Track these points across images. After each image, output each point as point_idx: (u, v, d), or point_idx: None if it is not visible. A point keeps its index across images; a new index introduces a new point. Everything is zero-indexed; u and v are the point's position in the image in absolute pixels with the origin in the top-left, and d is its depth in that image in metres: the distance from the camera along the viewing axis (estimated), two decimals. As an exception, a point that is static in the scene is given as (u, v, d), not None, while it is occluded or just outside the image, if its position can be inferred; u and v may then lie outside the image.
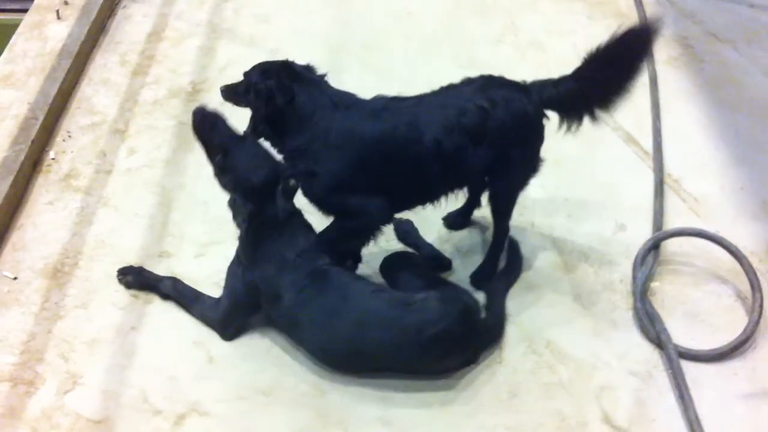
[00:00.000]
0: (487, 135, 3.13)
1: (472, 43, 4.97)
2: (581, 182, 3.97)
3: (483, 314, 3.19)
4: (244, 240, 3.17)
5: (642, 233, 3.66)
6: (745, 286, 3.40)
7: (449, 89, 3.26)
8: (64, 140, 4.15)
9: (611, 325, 3.32)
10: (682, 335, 3.26)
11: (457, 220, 3.75)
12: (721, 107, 4.46)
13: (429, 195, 3.31)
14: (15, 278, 3.46)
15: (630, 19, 5.10)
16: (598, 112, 3.26)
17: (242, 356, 3.19)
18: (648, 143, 4.18)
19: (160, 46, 4.84)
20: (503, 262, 3.54)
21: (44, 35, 4.68)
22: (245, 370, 3.15)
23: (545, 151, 4.00)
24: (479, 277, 3.48)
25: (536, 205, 3.84)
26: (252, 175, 3.06)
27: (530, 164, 3.36)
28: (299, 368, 3.15)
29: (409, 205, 3.35)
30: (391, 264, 3.40)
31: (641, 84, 4.48)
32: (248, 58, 4.71)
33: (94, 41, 4.82)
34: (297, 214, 3.22)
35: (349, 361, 3.09)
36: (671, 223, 3.72)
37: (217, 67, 4.70)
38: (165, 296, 3.39)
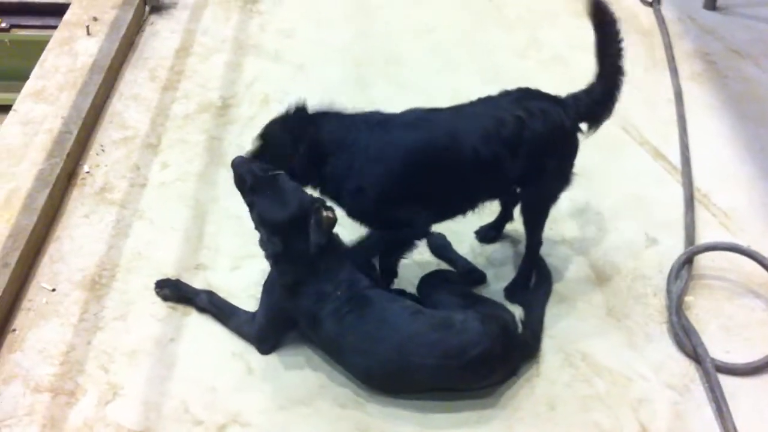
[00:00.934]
0: (524, 145, 3.17)
1: (496, 56, 5.01)
2: (611, 196, 4.00)
3: (520, 328, 3.22)
4: (278, 274, 3.17)
5: (673, 247, 3.69)
6: (778, 300, 3.43)
7: (486, 100, 3.31)
8: (97, 154, 4.19)
9: (646, 339, 3.34)
10: (717, 349, 3.28)
11: (489, 234, 3.78)
12: (745, 122, 4.49)
13: (465, 204, 3.34)
14: (53, 290, 3.49)
15: (652, 35, 5.16)
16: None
17: (281, 367, 3.22)
18: (675, 157, 4.21)
19: (188, 62, 4.89)
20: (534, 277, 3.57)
21: (74, 51, 4.74)
22: (285, 381, 3.17)
23: (576, 164, 4.07)
24: (513, 291, 3.51)
25: (567, 219, 3.87)
26: (276, 212, 3.05)
27: (563, 176, 3.39)
28: (338, 380, 3.17)
29: (447, 215, 3.38)
30: (427, 283, 3.42)
31: (666, 99, 4.60)
32: (274, 72, 4.83)
33: (124, 57, 4.87)
34: (336, 245, 3.19)
35: (390, 384, 3.10)
36: (702, 237, 3.75)
37: (245, 82, 4.75)
38: (201, 309, 3.42)
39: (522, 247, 3.61)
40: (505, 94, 3.31)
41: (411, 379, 3.06)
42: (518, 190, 3.41)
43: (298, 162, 3.14)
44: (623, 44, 3.39)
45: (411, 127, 3.20)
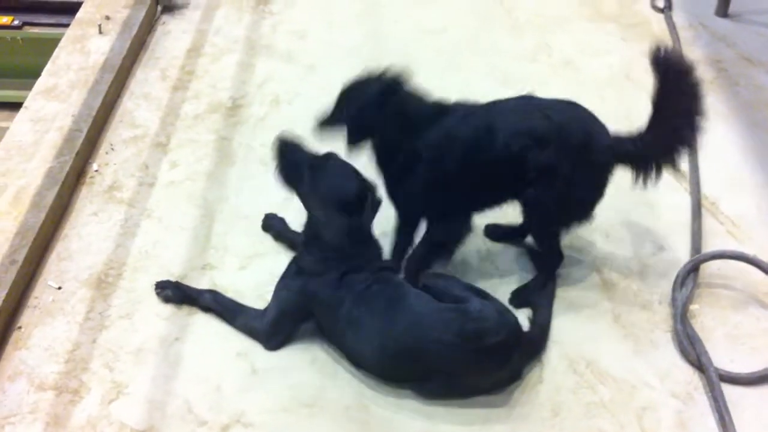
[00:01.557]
0: (552, 146, 3.19)
1: (506, 59, 5.01)
2: (618, 203, 3.96)
3: (527, 327, 3.26)
4: (308, 244, 3.24)
5: (680, 255, 3.68)
6: (784, 310, 3.42)
7: (540, 99, 3.39)
8: (107, 152, 4.21)
9: (651, 346, 3.33)
10: (721, 358, 3.27)
11: (495, 231, 3.82)
12: (756, 130, 4.47)
13: (502, 197, 3.46)
14: (60, 288, 3.51)
15: (663, 41, 5.14)
16: (671, 162, 3.33)
17: (286, 368, 3.22)
18: (684, 165, 4.18)
19: (199, 62, 4.91)
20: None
21: (86, 49, 4.76)
22: (289, 382, 3.18)
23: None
24: (520, 296, 3.52)
25: (574, 225, 3.87)
26: (345, 189, 3.12)
27: (578, 197, 3.35)
28: (343, 381, 3.18)
29: (478, 209, 3.50)
30: (432, 275, 3.46)
31: (676, 106, 4.56)
32: (286, 73, 4.84)
33: (135, 56, 4.89)
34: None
35: (402, 362, 3.09)
36: (709, 245, 3.74)
37: (256, 82, 4.77)
38: (206, 309, 3.42)
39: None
40: (557, 102, 3.36)
41: (425, 358, 3.03)
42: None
43: (376, 125, 3.26)
44: (696, 100, 3.23)
45: (478, 118, 3.30)
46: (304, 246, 3.30)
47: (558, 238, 3.47)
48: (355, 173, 3.18)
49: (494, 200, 3.47)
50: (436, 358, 3.03)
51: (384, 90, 3.27)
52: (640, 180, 3.34)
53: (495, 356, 3.03)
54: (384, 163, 3.38)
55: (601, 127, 3.31)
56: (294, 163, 3.19)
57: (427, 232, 3.52)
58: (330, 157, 3.20)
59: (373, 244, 3.30)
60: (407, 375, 3.13)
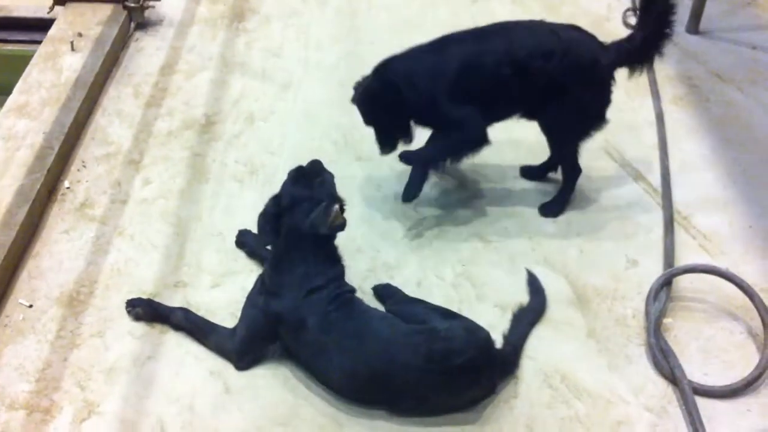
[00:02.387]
0: (557, 66, 3.62)
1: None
2: (592, 218, 4.02)
3: (501, 344, 3.24)
4: (273, 261, 3.25)
5: (654, 269, 3.70)
6: (756, 323, 3.43)
7: (531, 23, 3.86)
8: (78, 170, 4.18)
9: (626, 360, 3.34)
10: (695, 371, 3.28)
11: (534, 172, 4.24)
12: (727, 146, 4.52)
13: (508, 110, 3.84)
14: (31, 306, 3.47)
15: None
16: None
17: (259, 387, 3.20)
18: (656, 180, 4.23)
19: (173, 79, 4.89)
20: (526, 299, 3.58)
21: (58, 66, 4.73)
22: (262, 401, 3.15)
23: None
24: (547, 208, 4.02)
25: (548, 240, 3.88)
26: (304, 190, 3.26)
27: (591, 112, 3.80)
28: (316, 400, 3.16)
29: (493, 119, 3.83)
30: (395, 297, 3.49)
31: (648, 122, 4.63)
32: (260, 91, 4.84)
33: (108, 73, 4.87)
34: (329, 242, 3.28)
35: (372, 387, 3.08)
36: (682, 259, 3.76)
37: (230, 99, 4.76)
38: (177, 327, 3.39)
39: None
40: (555, 26, 3.79)
41: (394, 382, 3.02)
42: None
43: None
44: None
45: (476, 39, 3.75)
46: (269, 263, 3.30)
47: (577, 151, 3.93)
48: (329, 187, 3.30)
49: (514, 110, 3.83)
50: (406, 382, 3.02)
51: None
52: (636, 73, 3.80)
53: (464, 375, 3.02)
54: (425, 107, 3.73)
55: (601, 44, 3.76)
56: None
57: (443, 134, 3.82)
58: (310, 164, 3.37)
59: (338, 263, 3.29)
60: (378, 398, 3.12)
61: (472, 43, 3.73)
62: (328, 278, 3.18)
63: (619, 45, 3.74)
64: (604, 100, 3.78)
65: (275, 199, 3.26)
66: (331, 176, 3.35)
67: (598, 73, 3.70)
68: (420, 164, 3.89)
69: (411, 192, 3.93)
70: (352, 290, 3.27)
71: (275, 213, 3.22)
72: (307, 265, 3.17)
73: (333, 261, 3.27)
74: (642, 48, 3.72)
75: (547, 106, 3.73)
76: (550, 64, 3.61)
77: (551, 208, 4.02)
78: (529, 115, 3.86)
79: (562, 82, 3.64)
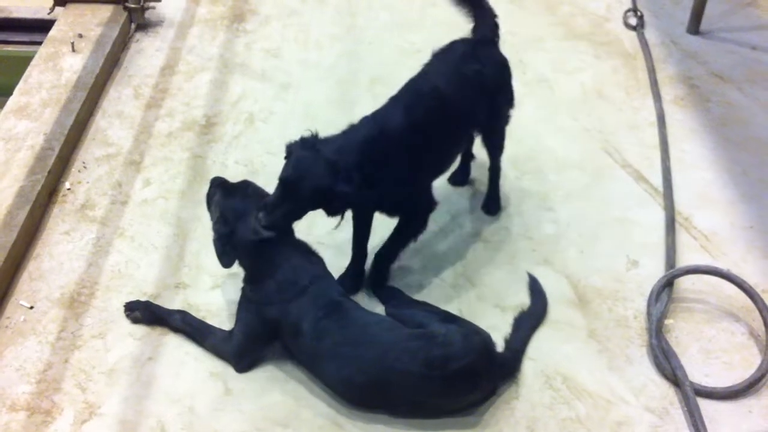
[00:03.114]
0: (486, 90, 3.64)
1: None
2: (593, 219, 4.01)
3: (501, 348, 3.23)
4: (248, 276, 3.29)
5: (654, 270, 3.70)
6: (757, 324, 3.43)
7: (442, 61, 3.65)
8: (79, 171, 4.18)
9: (626, 362, 3.34)
10: (696, 372, 3.28)
11: (460, 177, 4.18)
12: (727, 146, 4.51)
13: (455, 156, 3.81)
14: (31, 307, 3.47)
15: (635, 59, 5.20)
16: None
17: (259, 388, 3.20)
18: (657, 181, 4.23)
19: (173, 80, 4.89)
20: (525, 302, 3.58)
21: (59, 67, 4.73)
22: (262, 402, 3.15)
23: (558, 187, 4.10)
24: (490, 205, 4.02)
25: (549, 241, 3.88)
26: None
27: (511, 102, 3.86)
28: (316, 401, 3.15)
29: (442, 172, 3.72)
30: (395, 299, 3.49)
31: (649, 123, 4.63)
32: (260, 91, 4.84)
33: (108, 74, 4.87)
34: (290, 242, 3.31)
35: (370, 393, 3.08)
36: (683, 260, 3.75)
37: (230, 100, 4.76)
38: (175, 330, 3.39)
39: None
40: (449, 52, 3.68)
41: (392, 389, 3.02)
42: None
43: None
44: None
45: (412, 111, 3.42)
46: (245, 280, 3.32)
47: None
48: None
49: (451, 160, 3.76)
50: (404, 388, 3.01)
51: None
52: None
53: (462, 380, 3.01)
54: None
55: (491, 42, 3.81)
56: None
57: (398, 228, 3.56)
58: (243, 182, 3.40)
59: (314, 258, 3.32)
60: (376, 403, 3.11)
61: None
62: (312, 276, 3.19)
63: (489, 30, 3.81)
64: (511, 80, 3.86)
65: (221, 220, 3.26)
66: (252, 184, 3.40)
67: (506, 70, 3.82)
68: (385, 280, 3.65)
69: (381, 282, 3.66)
70: (341, 292, 3.24)
71: (228, 232, 3.23)
72: (283, 270, 3.18)
73: (308, 258, 3.28)
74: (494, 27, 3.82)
75: (487, 122, 3.78)
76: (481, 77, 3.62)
77: (493, 204, 4.04)
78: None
79: (494, 100, 3.72)
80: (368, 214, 3.57)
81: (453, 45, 3.72)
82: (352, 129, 3.36)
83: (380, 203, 3.45)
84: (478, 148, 4.00)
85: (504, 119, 3.86)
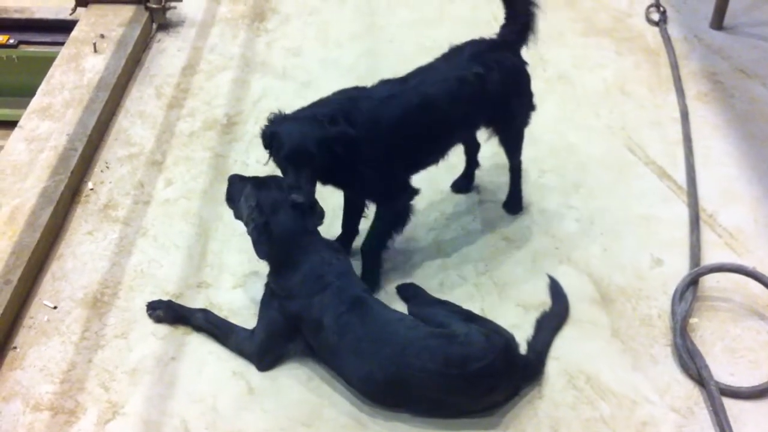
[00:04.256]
0: (487, 95, 3.51)
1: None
2: (616, 216, 3.98)
3: (524, 350, 3.20)
4: (275, 267, 3.28)
5: (679, 268, 3.66)
6: (783, 322, 3.40)
7: (444, 62, 3.59)
8: (102, 171, 4.20)
9: (651, 361, 3.31)
10: (721, 371, 3.24)
11: (463, 184, 4.13)
12: (752, 142, 4.46)
13: (440, 155, 3.63)
14: (55, 307, 3.49)
15: (658, 54, 5.15)
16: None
17: (282, 387, 3.20)
18: (681, 177, 4.19)
19: (194, 79, 4.91)
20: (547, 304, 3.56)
21: (81, 68, 4.75)
22: (285, 401, 3.15)
23: (580, 185, 4.07)
24: (512, 204, 3.99)
25: (571, 239, 3.85)
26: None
27: (528, 106, 3.78)
28: (339, 399, 3.15)
29: (423, 167, 3.61)
30: (418, 297, 3.49)
31: (672, 119, 4.58)
32: (281, 90, 4.84)
33: (130, 74, 4.89)
34: (318, 235, 3.34)
35: (390, 390, 3.07)
36: (707, 257, 3.72)
37: (251, 99, 4.76)
38: (198, 329, 3.40)
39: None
40: (458, 52, 3.60)
41: (411, 387, 3.01)
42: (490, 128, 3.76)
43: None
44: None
45: (386, 103, 3.39)
46: (271, 272, 3.31)
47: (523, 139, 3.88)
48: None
49: (437, 158, 3.65)
50: (423, 386, 3.00)
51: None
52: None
53: (482, 381, 2.99)
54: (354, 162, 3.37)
55: (503, 45, 3.67)
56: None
57: (375, 217, 3.57)
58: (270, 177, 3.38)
59: (340, 254, 3.32)
60: (396, 401, 3.10)
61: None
62: (337, 272, 3.19)
63: (506, 36, 3.69)
64: (530, 85, 3.77)
65: (258, 209, 3.24)
66: (279, 177, 3.37)
67: (520, 75, 3.70)
68: (376, 274, 3.64)
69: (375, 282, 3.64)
70: (364, 288, 3.25)
71: (264, 222, 3.22)
72: (311, 263, 3.19)
73: (335, 254, 3.28)
74: (523, 30, 3.70)
75: (497, 125, 3.73)
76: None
77: (515, 204, 4.01)
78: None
79: (501, 104, 3.62)
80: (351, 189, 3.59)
81: (464, 45, 3.64)
82: (320, 99, 3.46)
83: (349, 181, 3.44)
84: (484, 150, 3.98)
85: (519, 123, 3.79)
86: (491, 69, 3.51)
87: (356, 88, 3.51)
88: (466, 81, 3.46)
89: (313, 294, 3.16)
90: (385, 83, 3.50)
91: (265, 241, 3.21)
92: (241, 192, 3.35)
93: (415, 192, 3.54)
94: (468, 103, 3.49)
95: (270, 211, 3.23)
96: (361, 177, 3.38)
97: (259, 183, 3.34)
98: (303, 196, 3.20)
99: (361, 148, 3.30)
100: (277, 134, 3.26)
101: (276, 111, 3.35)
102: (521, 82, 3.70)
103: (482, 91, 3.49)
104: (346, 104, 3.36)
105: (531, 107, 3.78)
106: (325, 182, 3.44)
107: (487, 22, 5.46)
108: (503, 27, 3.70)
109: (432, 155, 3.60)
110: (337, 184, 3.48)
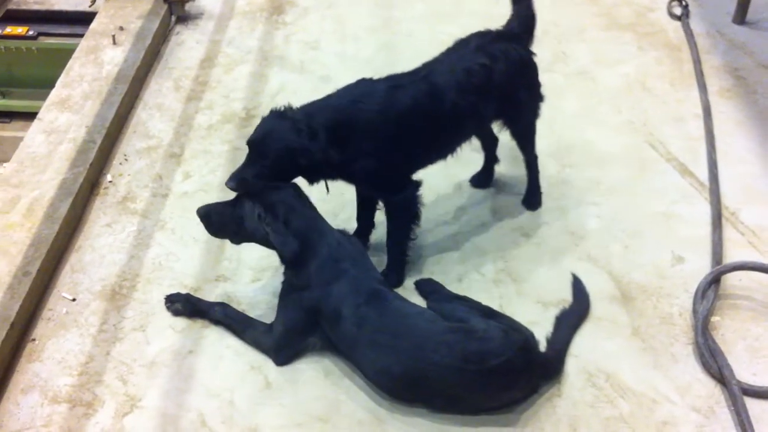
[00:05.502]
0: (494, 86, 3.49)
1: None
2: (637, 213, 3.94)
3: (543, 348, 3.18)
4: (292, 262, 3.23)
5: (700, 266, 3.62)
6: (807, 322, 3.36)
7: (449, 54, 3.58)
8: (120, 163, 4.20)
9: (671, 359, 3.27)
10: (743, 371, 3.20)
11: (482, 179, 4.11)
12: (775, 139, 4.42)
13: (449, 149, 3.60)
14: (73, 300, 3.50)
15: (680, 50, 5.10)
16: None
17: (299, 382, 3.19)
18: (703, 174, 4.14)
19: (212, 72, 4.90)
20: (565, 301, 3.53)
21: (100, 60, 4.76)
22: (302, 396, 3.14)
23: (601, 181, 4.04)
24: (531, 200, 3.96)
25: (592, 236, 3.82)
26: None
27: (536, 97, 3.74)
28: (357, 395, 3.14)
29: (431, 161, 3.59)
30: (437, 293, 3.47)
31: (694, 115, 4.53)
32: (299, 84, 4.82)
33: (149, 66, 4.90)
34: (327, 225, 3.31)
35: (407, 384, 3.05)
36: (729, 256, 3.67)
37: (269, 93, 4.75)
38: (216, 322, 3.40)
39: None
40: (464, 45, 3.59)
41: (429, 381, 2.99)
42: (501, 122, 3.75)
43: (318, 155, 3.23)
44: None
45: (393, 94, 3.37)
46: (288, 267, 3.26)
47: (535, 133, 3.85)
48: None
49: (446, 153, 3.62)
50: (441, 381, 2.98)
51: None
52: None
53: (500, 377, 2.96)
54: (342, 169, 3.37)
55: (509, 36, 3.64)
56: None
57: (387, 212, 3.56)
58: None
59: (351, 240, 3.32)
60: (412, 396, 3.09)
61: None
62: (352, 257, 3.19)
63: (513, 28, 3.69)
64: (538, 77, 3.74)
65: (268, 216, 3.18)
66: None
67: (527, 66, 3.67)
68: (399, 278, 3.62)
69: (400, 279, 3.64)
70: (380, 279, 3.25)
71: (283, 222, 3.18)
72: (328, 246, 3.18)
73: (348, 238, 3.30)
74: (529, 23, 3.71)
75: (505, 118, 3.71)
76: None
77: (534, 199, 3.98)
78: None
79: (508, 96, 3.59)
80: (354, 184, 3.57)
81: (470, 37, 3.63)
82: (327, 96, 3.43)
83: (351, 173, 3.40)
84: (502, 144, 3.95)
85: (528, 115, 3.75)
86: (497, 60, 3.50)
87: (364, 80, 3.49)
88: (473, 72, 3.45)
89: (331, 281, 3.14)
90: (393, 76, 3.50)
91: (291, 240, 3.16)
92: (226, 218, 3.29)
93: (418, 184, 3.52)
94: (475, 94, 3.46)
95: (281, 211, 3.19)
96: (363, 170, 3.37)
97: (241, 199, 3.27)
98: (231, 179, 3.22)
99: (365, 142, 3.30)
100: (260, 122, 3.33)
101: (286, 103, 3.36)
102: (528, 73, 3.68)
103: (489, 81, 3.47)
104: (347, 108, 3.34)
105: (539, 98, 3.75)
106: (332, 178, 3.42)
107: (504, 16, 5.41)
108: (510, 20, 3.71)
109: (441, 148, 3.58)
110: (343, 178, 3.46)
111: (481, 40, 3.57)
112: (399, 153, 3.40)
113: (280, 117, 3.29)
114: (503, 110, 3.64)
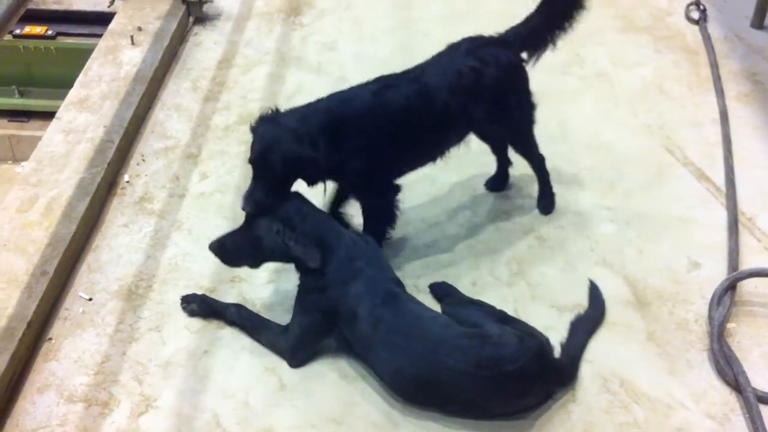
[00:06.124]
0: (483, 90, 3.51)
1: (537, 71, 4.90)
2: (653, 218, 3.93)
3: (558, 353, 3.17)
4: (307, 266, 3.23)
5: (717, 272, 3.61)
6: (823, 329, 3.34)
7: (441, 57, 3.62)
8: (138, 164, 4.23)
9: (686, 366, 3.26)
10: (759, 378, 3.19)
11: (497, 182, 4.11)
12: (793, 145, 4.39)
13: (438, 151, 3.64)
14: (90, 299, 3.52)
15: (698, 53, 5.08)
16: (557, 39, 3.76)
17: (314, 384, 3.20)
18: (720, 179, 4.12)
19: (230, 73, 4.93)
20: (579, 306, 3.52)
21: (118, 60, 4.79)
22: (317, 397, 3.15)
23: (616, 185, 4.03)
24: (544, 204, 3.96)
25: (607, 241, 3.81)
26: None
27: (526, 104, 3.74)
28: (371, 397, 3.15)
29: (420, 163, 3.66)
30: (451, 297, 3.46)
31: (711, 119, 4.51)
32: (316, 85, 4.83)
33: (167, 67, 4.92)
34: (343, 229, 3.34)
35: (420, 388, 3.05)
36: (746, 262, 3.66)
37: (286, 94, 4.77)
38: (231, 323, 3.41)
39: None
40: (455, 48, 3.62)
41: (442, 385, 2.99)
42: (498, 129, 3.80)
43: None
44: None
45: (383, 93, 3.43)
46: (303, 271, 3.27)
47: (533, 138, 3.83)
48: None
49: (435, 155, 3.65)
50: (454, 386, 2.98)
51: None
52: (534, 59, 3.76)
53: (514, 383, 2.96)
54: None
55: (502, 42, 3.66)
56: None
57: (363, 212, 3.62)
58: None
59: (366, 239, 3.33)
60: (426, 399, 3.09)
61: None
62: (367, 257, 3.20)
63: (516, 33, 3.69)
64: (528, 85, 3.74)
65: (287, 230, 3.17)
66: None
67: (517, 74, 3.68)
68: None
69: None
70: (396, 280, 3.25)
71: (302, 231, 3.18)
72: (345, 247, 3.19)
73: (363, 237, 3.33)
74: (541, 31, 3.71)
75: (496, 123, 3.71)
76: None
77: (547, 202, 3.97)
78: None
79: (496, 101, 3.59)
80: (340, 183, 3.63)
81: (462, 41, 3.65)
82: (316, 101, 3.44)
83: (342, 173, 3.44)
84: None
85: (519, 121, 3.75)
86: (487, 64, 3.52)
87: (353, 88, 3.53)
88: (463, 74, 3.48)
89: (348, 281, 3.14)
90: (384, 77, 3.55)
91: (312, 250, 3.15)
92: (242, 244, 3.29)
93: (398, 188, 3.56)
94: (465, 95, 3.48)
95: (297, 222, 3.18)
96: (353, 171, 3.40)
97: (255, 219, 3.26)
98: (245, 202, 3.22)
99: (357, 142, 3.34)
100: (254, 134, 3.29)
101: (271, 108, 3.36)
102: (518, 79, 3.67)
103: (479, 84, 3.50)
104: (338, 109, 3.37)
105: (530, 105, 3.74)
106: (328, 179, 3.48)
107: (521, 16, 5.42)
108: (511, 27, 3.72)
109: (430, 149, 3.62)
110: (334, 178, 3.52)
111: (472, 44, 3.61)
112: (389, 153, 3.44)
113: (274, 125, 3.27)
114: (493, 114, 3.63)
